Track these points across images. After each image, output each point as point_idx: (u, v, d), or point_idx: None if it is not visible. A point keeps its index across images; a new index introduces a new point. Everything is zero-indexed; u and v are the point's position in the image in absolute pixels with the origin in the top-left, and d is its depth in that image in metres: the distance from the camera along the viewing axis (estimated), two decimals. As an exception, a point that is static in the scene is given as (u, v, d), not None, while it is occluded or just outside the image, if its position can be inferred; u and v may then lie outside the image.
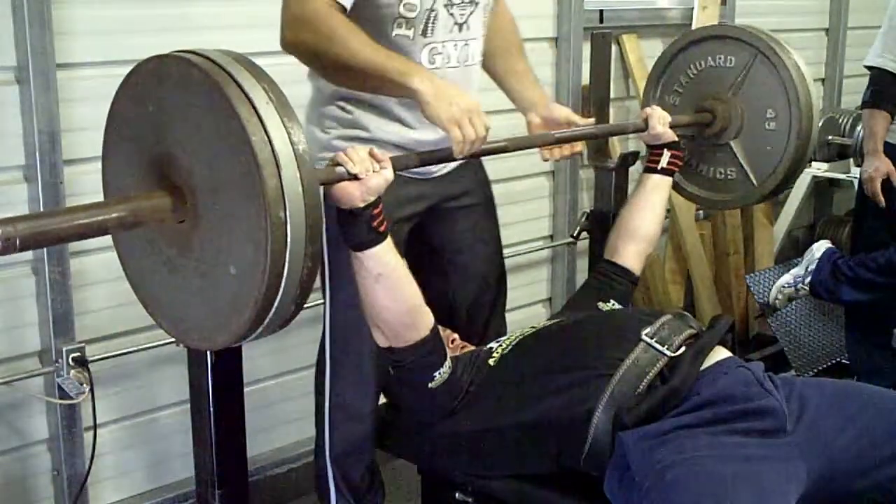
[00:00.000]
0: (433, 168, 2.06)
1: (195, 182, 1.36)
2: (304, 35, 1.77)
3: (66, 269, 2.25)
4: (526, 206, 3.29)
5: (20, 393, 2.28)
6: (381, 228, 1.65)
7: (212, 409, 1.87)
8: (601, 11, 3.39)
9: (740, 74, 2.33)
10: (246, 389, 1.97)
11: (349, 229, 1.63)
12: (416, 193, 2.06)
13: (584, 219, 3.19)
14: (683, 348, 1.76)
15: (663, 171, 2.22)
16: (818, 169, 4.09)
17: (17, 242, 1.22)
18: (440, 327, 2.05)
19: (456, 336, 2.05)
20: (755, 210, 4.06)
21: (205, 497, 1.95)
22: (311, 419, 2.16)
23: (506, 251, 3.17)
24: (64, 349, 2.24)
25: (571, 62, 3.26)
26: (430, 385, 1.79)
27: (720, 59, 2.38)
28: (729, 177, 2.40)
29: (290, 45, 1.81)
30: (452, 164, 2.12)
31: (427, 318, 1.77)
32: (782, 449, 1.64)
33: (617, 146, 3.39)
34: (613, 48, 3.33)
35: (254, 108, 1.29)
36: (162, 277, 1.47)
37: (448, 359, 1.82)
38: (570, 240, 3.32)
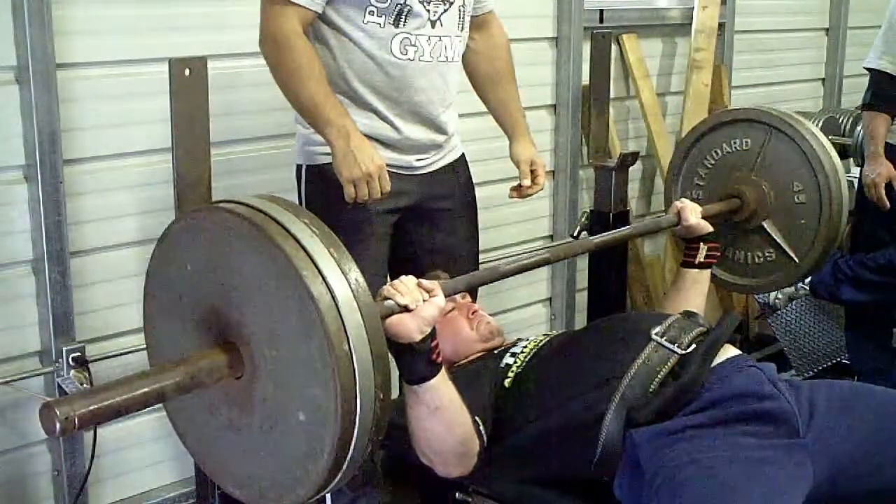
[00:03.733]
0: (417, 164, 2.12)
1: (250, 336, 1.30)
2: (269, 50, 1.97)
3: (66, 269, 2.25)
4: (526, 206, 3.28)
5: (20, 393, 2.27)
6: (438, 360, 1.57)
7: (212, 409, 1.86)
8: (601, 11, 3.39)
9: (759, 154, 2.30)
10: (246, 390, 1.96)
11: (408, 364, 1.55)
12: (398, 188, 2.09)
13: (584, 219, 3.19)
14: (694, 346, 1.76)
15: (701, 266, 2.17)
16: (818, 169, 4.08)
17: (76, 423, 1.17)
18: (455, 299, 2.00)
19: (476, 307, 2.02)
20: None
21: (205, 497, 1.95)
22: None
23: (506, 251, 3.20)
24: (64, 349, 2.24)
25: (571, 62, 3.26)
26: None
27: (735, 143, 2.35)
28: (768, 258, 2.36)
29: (261, 50, 2.00)
30: (440, 162, 2.18)
31: (477, 442, 1.70)
32: (794, 453, 1.64)
33: (617, 146, 3.39)
34: (613, 48, 3.33)
35: (301, 247, 1.24)
36: (227, 442, 1.40)
37: (482, 427, 1.72)
38: (570, 240, 3.31)
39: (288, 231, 1.25)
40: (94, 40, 2.28)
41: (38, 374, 2.30)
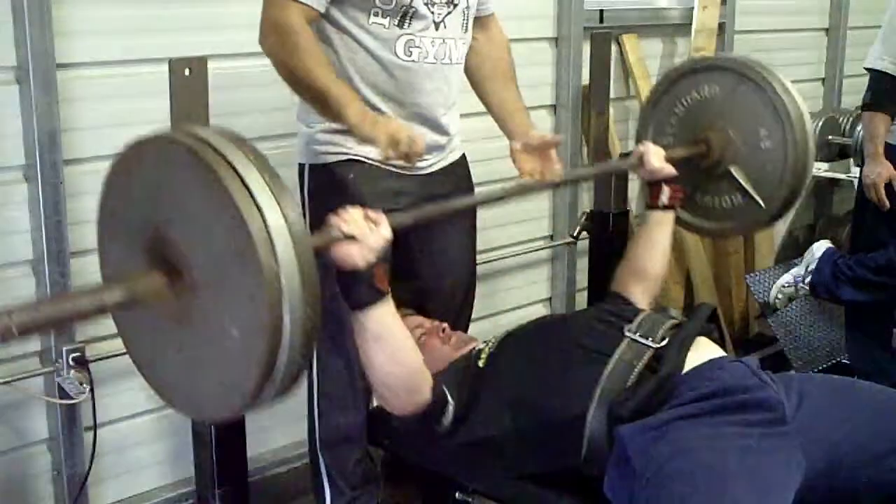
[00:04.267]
0: (418, 165, 2.08)
1: (189, 259, 1.37)
2: (272, 42, 1.92)
3: (66, 269, 2.25)
4: (526, 206, 3.29)
5: (20, 393, 2.27)
6: (383, 288, 1.63)
7: (212, 409, 1.87)
8: (601, 11, 3.39)
9: (726, 100, 2.34)
10: (246, 389, 1.97)
11: (350, 289, 1.62)
12: (398, 188, 2.09)
13: (584, 219, 3.20)
14: (667, 339, 1.77)
15: (665, 207, 2.20)
16: (818, 169, 4.08)
17: (15, 331, 1.24)
18: (426, 319, 2.04)
19: (446, 325, 2.05)
20: (755, 210, 4.06)
21: (205, 497, 1.95)
22: (311, 419, 2.16)
23: (506, 251, 3.20)
24: (64, 349, 2.24)
25: (571, 62, 3.26)
26: (439, 431, 1.79)
27: (704, 90, 2.38)
28: (735, 203, 2.38)
29: (263, 47, 1.94)
30: (441, 163, 2.17)
31: (428, 379, 1.76)
32: (782, 440, 1.65)
33: (617, 146, 3.39)
34: (613, 48, 3.33)
35: (237, 173, 1.31)
36: (171, 359, 1.47)
37: (450, 400, 1.79)
38: (570, 240, 3.32)
39: (224, 158, 1.31)
40: (94, 40, 2.28)
41: (38, 374, 2.30)
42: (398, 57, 2.01)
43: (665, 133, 2.43)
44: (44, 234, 2.20)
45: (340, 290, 1.63)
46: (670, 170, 2.19)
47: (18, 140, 2.19)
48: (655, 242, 2.17)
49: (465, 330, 2.28)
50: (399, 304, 2.13)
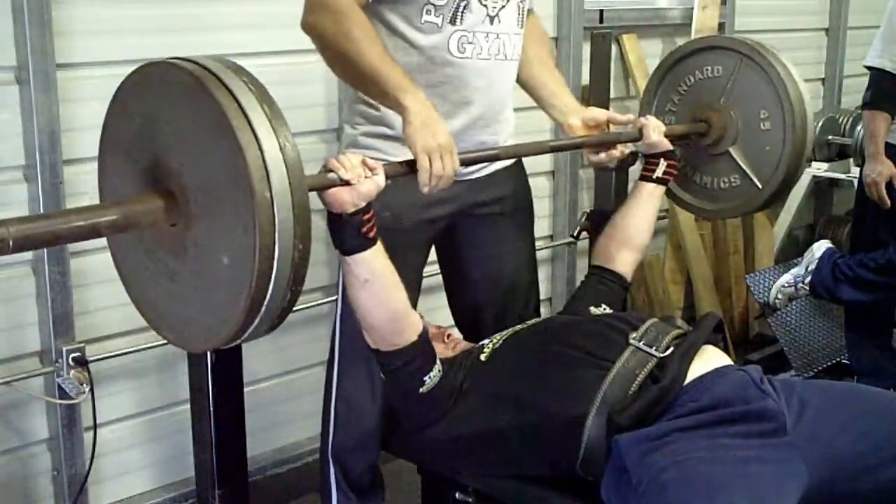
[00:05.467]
0: (469, 168, 2.01)
1: (185, 184, 1.39)
2: (322, 21, 1.81)
3: (66, 269, 2.25)
4: (526, 206, 3.29)
5: (20, 393, 2.28)
6: (371, 234, 1.67)
7: (212, 409, 1.87)
8: (601, 11, 3.39)
9: (729, 81, 2.34)
10: (246, 389, 1.97)
11: (338, 233, 1.66)
12: (443, 195, 1.97)
13: (584, 219, 3.20)
14: (671, 348, 1.77)
15: (659, 181, 2.22)
16: (818, 169, 4.09)
17: (11, 243, 1.24)
18: (433, 324, 2.06)
19: (452, 332, 2.05)
20: (755, 210, 4.06)
21: (205, 497, 1.95)
22: (311, 419, 2.16)
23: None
24: (64, 349, 2.24)
25: (571, 62, 3.26)
26: (420, 390, 1.80)
27: (707, 70, 2.39)
28: (733, 184, 2.39)
29: (308, 26, 1.84)
30: (491, 168, 2.08)
31: (414, 326, 1.79)
32: (781, 450, 1.64)
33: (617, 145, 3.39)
34: (613, 48, 3.33)
35: (243, 111, 1.31)
36: (162, 288, 1.49)
37: (438, 363, 1.83)
38: (570, 240, 3.32)
39: (224, 85, 1.32)
40: (94, 40, 2.28)
41: (38, 375, 2.30)
42: (451, 54, 1.93)
43: (667, 111, 2.45)
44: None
45: (330, 234, 1.67)
46: (667, 144, 2.21)
47: (18, 140, 2.19)
48: (646, 214, 2.20)
49: None
50: (455, 315, 2.19)
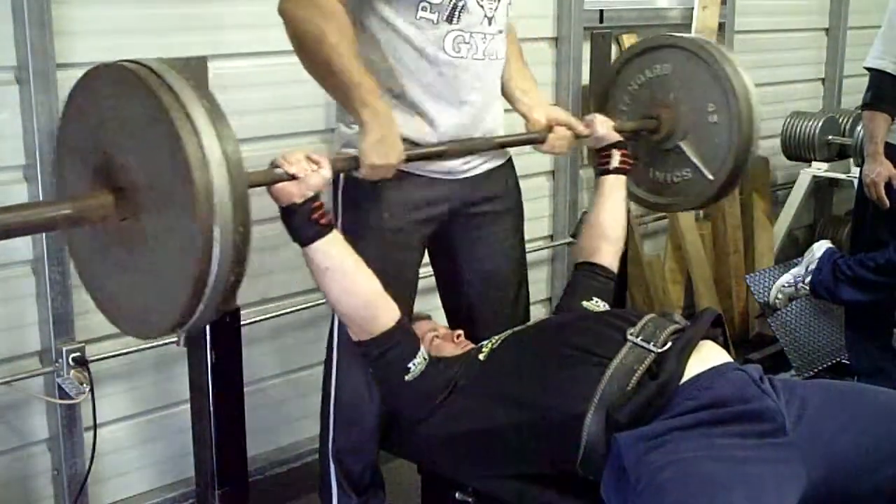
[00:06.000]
0: (461, 168, 2.04)
1: (133, 180, 1.47)
2: (301, 11, 1.83)
3: (66, 269, 2.25)
4: (526, 206, 3.28)
5: (20, 393, 2.28)
6: (322, 221, 1.74)
7: (212, 409, 1.87)
8: (601, 11, 3.39)
9: (677, 78, 2.42)
10: (246, 389, 1.97)
11: (291, 224, 1.73)
12: (437, 195, 2.03)
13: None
14: (669, 343, 1.77)
15: (617, 171, 2.27)
16: (818, 169, 4.09)
17: None
18: (443, 325, 2.06)
19: (461, 332, 2.06)
20: (755, 210, 4.06)
21: (205, 497, 1.95)
22: (311, 419, 2.16)
23: (506, 251, 3.19)
24: (64, 349, 2.24)
25: (571, 62, 3.26)
26: (406, 378, 1.83)
27: (657, 68, 2.45)
28: (685, 177, 2.45)
29: (285, 12, 1.86)
30: (484, 166, 2.10)
31: (390, 312, 1.83)
32: (780, 450, 1.64)
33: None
34: (613, 48, 3.33)
35: (183, 108, 1.40)
36: (117, 279, 1.58)
37: (422, 350, 1.86)
38: (571, 240, 3.32)
39: (166, 83, 1.41)
40: (94, 40, 2.28)
41: (38, 375, 2.30)
42: (447, 53, 1.93)
43: (619, 111, 2.50)
44: (44, 235, 2.20)
45: (286, 228, 1.72)
46: (615, 136, 2.27)
47: (18, 140, 2.19)
48: (615, 205, 2.25)
49: None
50: (448, 316, 2.20)
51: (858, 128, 3.78)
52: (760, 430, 1.65)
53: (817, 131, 4.00)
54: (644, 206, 2.74)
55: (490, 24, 1.98)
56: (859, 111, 3.54)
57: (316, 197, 1.72)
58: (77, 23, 2.24)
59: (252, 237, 1.73)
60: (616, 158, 2.26)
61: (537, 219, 3.37)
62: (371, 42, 1.94)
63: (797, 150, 4.08)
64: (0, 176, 2.20)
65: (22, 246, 2.24)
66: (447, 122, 1.98)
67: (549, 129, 2.17)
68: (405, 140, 1.92)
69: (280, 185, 1.69)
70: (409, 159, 1.90)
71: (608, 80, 2.56)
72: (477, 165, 2.08)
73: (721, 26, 3.76)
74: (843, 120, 4.06)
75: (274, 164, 1.70)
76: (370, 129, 1.82)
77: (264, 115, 2.52)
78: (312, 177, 1.70)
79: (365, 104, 1.82)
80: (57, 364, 2.26)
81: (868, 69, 3.08)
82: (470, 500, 1.96)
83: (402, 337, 1.84)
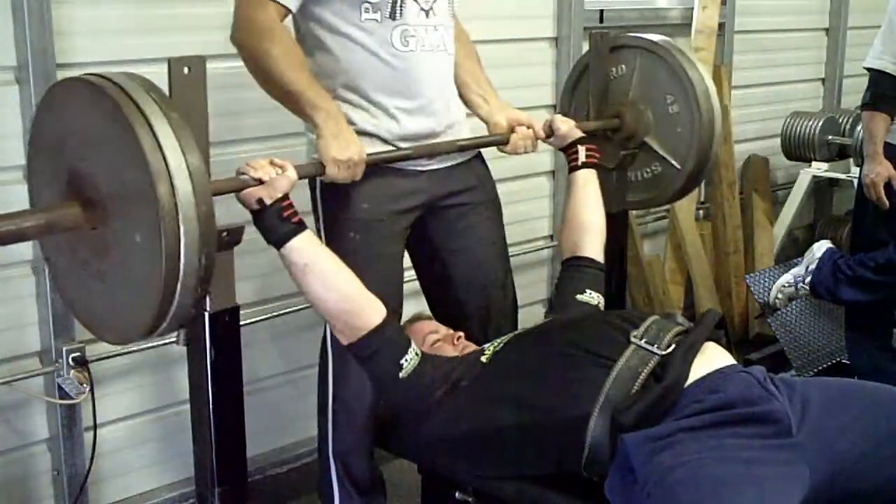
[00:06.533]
0: (424, 161, 2.09)
1: (101, 191, 1.52)
2: (247, 39, 1.93)
3: (66, 269, 2.25)
4: (526, 206, 3.29)
5: (20, 393, 2.28)
6: (294, 219, 1.76)
7: (212, 409, 1.87)
8: (601, 11, 3.39)
9: (633, 76, 2.48)
10: (246, 389, 1.97)
11: (263, 225, 1.75)
12: (412, 186, 2.08)
13: (583, 219, 3.19)
14: (673, 346, 1.77)
15: (586, 165, 2.30)
16: (818, 169, 4.09)
17: None
18: (444, 327, 2.06)
19: (462, 334, 2.06)
20: (755, 210, 4.07)
21: (205, 497, 1.95)
22: (311, 419, 2.16)
23: (505, 251, 3.19)
24: (64, 349, 2.24)
25: (571, 62, 3.25)
26: (400, 375, 1.82)
27: (613, 71, 2.52)
28: (655, 172, 2.52)
29: (235, 43, 1.96)
30: (448, 160, 2.14)
31: (375, 308, 1.83)
32: (786, 451, 1.64)
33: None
34: (613, 48, 3.33)
35: (147, 121, 1.44)
36: (92, 290, 1.61)
37: (413, 347, 1.85)
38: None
39: (130, 97, 1.45)
40: (94, 40, 2.28)
41: (38, 375, 2.30)
42: (395, 48, 2.01)
43: (584, 116, 2.53)
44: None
45: (259, 230, 1.76)
46: (577, 132, 2.31)
47: (18, 140, 2.20)
48: (590, 198, 2.27)
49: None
50: (437, 315, 2.20)
51: (858, 128, 3.78)
52: (767, 431, 1.65)
53: (817, 131, 4.00)
54: (633, 208, 2.78)
55: (428, 16, 2.04)
56: (859, 111, 3.54)
57: (285, 197, 1.75)
58: (77, 23, 2.25)
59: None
60: (582, 153, 2.30)
61: (537, 219, 3.37)
62: (323, 53, 2.02)
63: (797, 150, 4.08)
64: (0, 176, 2.20)
65: (22, 246, 2.23)
66: (407, 117, 2.04)
67: (511, 130, 2.21)
68: (371, 135, 2.02)
69: (248, 190, 1.73)
70: (373, 162, 1.96)
71: (569, 88, 2.63)
72: (443, 159, 2.13)
73: (721, 26, 3.77)
74: (843, 120, 4.06)
75: (239, 172, 1.75)
76: (325, 128, 1.91)
77: (264, 115, 2.51)
78: (279, 179, 1.74)
79: (316, 108, 1.92)
80: (57, 364, 2.26)
81: (868, 69, 3.08)
82: (470, 499, 1.96)
83: (391, 334, 1.84)
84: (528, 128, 2.22)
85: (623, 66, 2.49)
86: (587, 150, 2.30)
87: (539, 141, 2.27)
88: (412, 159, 2.04)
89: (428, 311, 2.25)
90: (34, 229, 1.52)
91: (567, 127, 2.30)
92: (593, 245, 2.20)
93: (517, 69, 3.14)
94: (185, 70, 1.72)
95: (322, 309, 1.83)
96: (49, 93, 1.63)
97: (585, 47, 3.19)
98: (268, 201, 1.73)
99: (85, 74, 1.54)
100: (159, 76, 2.04)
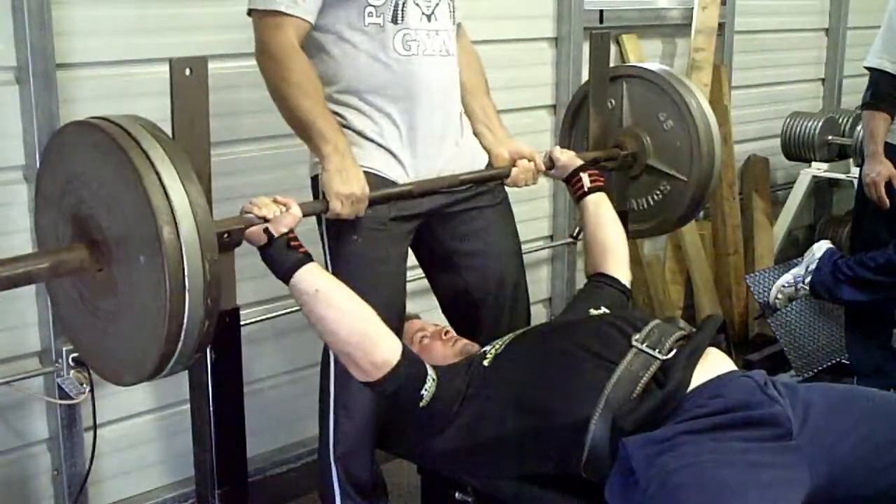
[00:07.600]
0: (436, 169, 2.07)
1: (107, 234, 1.54)
2: (265, 62, 1.96)
3: (66, 269, 2.25)
4: (526, 206, 3.28)
5: (20, 393, 2.28)
6: (301, 249, 1.76)
7: (212, 409, 1.87)
8: (601, 11, 3.39)
9: (627, 104, 2.53)
10: (246, 389, 1.97)
11: (271, 258, 1.75)
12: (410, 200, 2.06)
13: (583, 219, 3.20)
14: (675, 351, 1.77)
15: (593, 191, 2.30)
16: (818, 169, 4.09)
17: None
18: (431, 322, 2.05)
19: (448, 328, 2.06)
20: (755, 210, 4.07)
21: (205, 497, 1.95)
22: (311, 419, 2.16)
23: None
24: (64, 349, 2.24)
25: (571, 62, 3.26)
26: (420, 405, 1.80)
27: (609, 102, 2.55)
28: (664, 191, 2.54)
29: (258, 63, 1.98)
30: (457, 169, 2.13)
31: (391, 342, 1.78)
32: (787, 455, 1.64)
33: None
34: (613, 48, 3.33)
35: (152, 165, 1.47)
36: (96, 328, 1.62)
37: (430, 373, 1.81)
38: (570, 240, 3.32)
39: (136, 141, 1.48)
40: (94, 40, 2.28)
41: (38, 375, 2.30)
42: (397, 52, 2.01)
43: (584, 147, 2.55)
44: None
45: (267, 266, 1.76)
46: (577, 160, 2.33)
47: (18, 140, 2.20)
48: (606, 219, 2.28)
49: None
50: (451, 318, 2.21)
51: (858, 128, 3.78)
52: (768, 434, 1.65)
53: (817, 131, 4.00)
54: (638, 237, 2.80)
55: (429, 20, 2.05)
56: (859, 111, 3.55)
57: (290, 232, 1.76)
58: (77, 23, 2.25)
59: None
60: (587, 179, 2.31)
61: (537, 219, 3.37)
62: (328, 58, 2.02)
63: (797, 150, 4.08)
64: (0, 176, 2.20)
65: (22, 246, 2.23)
66: (408, 121, 2.04)
67: (513, 163, 2.22)
68: (372, 141, 2.03)
69: (254, 228, 1.74)
70: (375, 201, 1.96)
71: (567, 126, 2.66)
72: (451, 161, 2.13)
73: (721, 26, 3.77)
74: (843, 120, 4.06)
75: (244, 210, 1.76)
76: (330, 161, 1.92)
77: (264, 115, 2.51)
78: (284, 217, 1.75)
79: (324, 140, 1.93)
80: (57, 364, 2.26)
81: (868, 69, 3.09)
82: (470, 499, 1.96)
83: (409, 369, 1.79)
84: (530, 160, 2.23)
85: (612, 100, 2.53)
86: (590, 175, 2.31)
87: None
88: (414, 197, 2.04)
89: (420, 312, 2.25)
90: (41, 273, 1.54)
91: (567, 157, 2.32)
92: (617, 264, 2.19)
93: (517, 69, 3.15)
94: (187, 71, 1.72)
95: (336, 340, 1.77)
96: (55, 135, 1.65)
97: (585, 47, 3.21)
98: (275, 235, 1.74)
99: (90, 118, 1.56)
100: (159, 76, 2.05)
